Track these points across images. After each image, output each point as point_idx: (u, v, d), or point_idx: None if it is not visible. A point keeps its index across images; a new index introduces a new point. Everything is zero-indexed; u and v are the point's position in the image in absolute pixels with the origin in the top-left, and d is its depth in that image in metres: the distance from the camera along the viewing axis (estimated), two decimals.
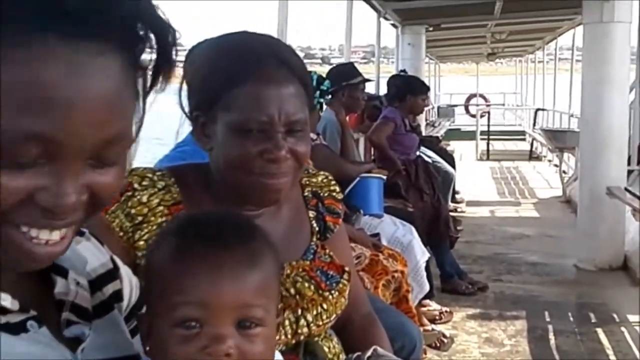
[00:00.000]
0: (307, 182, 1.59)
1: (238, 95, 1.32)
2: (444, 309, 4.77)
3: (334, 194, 1.61)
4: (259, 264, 0.92)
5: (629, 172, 6.63)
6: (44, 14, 0.69)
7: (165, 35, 0.78)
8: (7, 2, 0.69)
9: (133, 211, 1.34)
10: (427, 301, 4.62)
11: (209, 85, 1.35)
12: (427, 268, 4.45)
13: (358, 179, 4.26)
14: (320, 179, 1.61)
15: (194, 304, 0.87)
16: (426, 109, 13.67)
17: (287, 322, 1.38)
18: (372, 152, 6.27)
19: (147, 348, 0.93)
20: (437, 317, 4.65)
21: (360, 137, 6.41)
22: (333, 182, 1.63)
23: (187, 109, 1.41)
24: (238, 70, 1.33)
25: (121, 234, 1.33)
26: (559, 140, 10.04)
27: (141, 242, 1.33)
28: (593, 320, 4.79)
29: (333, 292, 1.46)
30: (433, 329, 4.34)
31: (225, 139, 1.34)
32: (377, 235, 3.83)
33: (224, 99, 1.33)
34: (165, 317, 0.88)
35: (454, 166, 7.83)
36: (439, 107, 19.44)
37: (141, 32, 0.76)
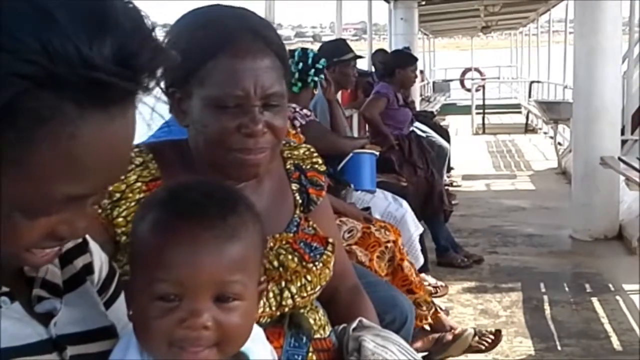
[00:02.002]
0: (289, 155, 1.59)
1: (212, 69, 1.31)
2: (440, 283, 4.79)
3: (317, 166, 1.60)
4: (238, 239, 0.92)
5: (623, 142, 6.63)
6: None
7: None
8: None
9: (110, 188, 1.33)
10: (423, 275, 4.62)
11: (183, 60, 1.34)
12: (421, 242, 4.46)
13: (351, 154, 4.25)
14: (302, 151, 1.61)
15: (172, 280, 0.88)
16: (421, 84, 13.71)
17: (271, 295, 1.38)
18: (366, 128, 6.25)
19: (130, 312, 0.94)
20: (432, 291, 4.66)
21: (353, 113, 6.39)
22: (315, 155, 1.62)
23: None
24: (211, 44, 1.31)
25: (99, 211, 1.32)
26: (553, 111, 10.02)
27: (120, 219, 1.32)
28: (588, 290, 4.80)
29: (317, 263, 1.46)
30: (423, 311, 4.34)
31: (202, 115, 1.33)
32: (368, 209, 3.83)
33: (198, 74, 1.32)
34: (144, 289, 0.89)
35: (448, 141, 7.82)
36: (434, 83, 19.37)
37: None
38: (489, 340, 3.74)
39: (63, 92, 0.71)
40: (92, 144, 0.74)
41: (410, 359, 1.43)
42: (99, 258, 1.06)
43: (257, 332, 1.04)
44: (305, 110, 3.99)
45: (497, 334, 3.79)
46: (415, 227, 4.24)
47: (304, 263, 1.44)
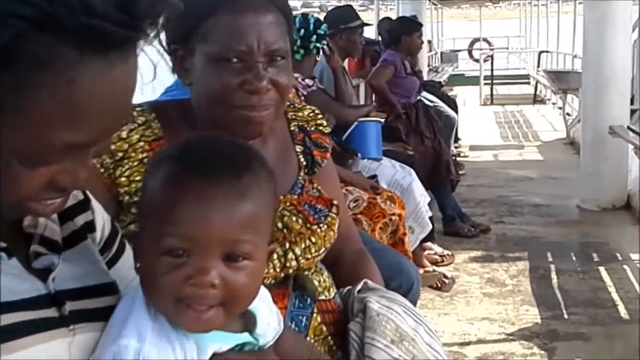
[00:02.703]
0: (294, 117, 1.57)
1: (214, 24, 1.29)
2: (446, 251, 4.78)
3: (321, 127, 1.59)
4: (250, 198, 0.90)
5: (632, 111, 6.56)
6: None
7: None
8: None
9: (113, 147, 1.31)
10: (429, 244, 4.63)
11: (185, 16, 1.31)
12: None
13: (356, 123, 4.23)
14: (306, 113, 1.59)
15: (181, 235, 0.86)
16: (428, 54, 13.60)
17: (275, 256, 1.37)
18: (373, 98, 6.21)
19: (137, 265, 0.93)
20: (438, 260, 4.66)
21: (360, 82, 6.34)
22: (320, 116, 1.60)
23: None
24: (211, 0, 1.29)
25: (102, 170, 1.31)
26: (562, 81, 9.93)
27: (122, 179, 1.31)
28: (595, 259, 4.79)
29: (321, 225, 1.45)
30: (434, 270, 4.35)
31: (204, 71, 1.31)
32: (374, 177, 3.81)
33: (200, 30, 1.30)
34: (153, 244, 0.87)
35: (456, 110, 7.77)
36: (442, 53, 19.21)
37: None
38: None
39: (62, 36, 0.70)
40: (92, 90, 0.73)
41: (417, 320, 1.42)
42: (101, 217, 1.05)
43: (264, 293, 1.03)
44: (307, 81, 3.95)
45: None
46: (421, 196, 4.22)
47: (308, 225, 1.43)
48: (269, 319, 1.02)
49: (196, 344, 0.88)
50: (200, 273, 0.86)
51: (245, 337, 0.95)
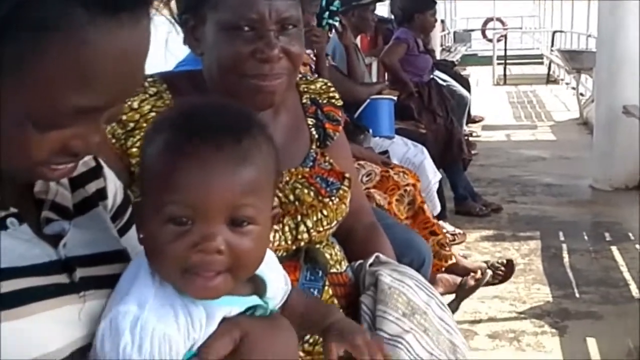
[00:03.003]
0: (306, 89, 1.56)
1: None
2: (457, 230, 4.76)
3: (333, 100, 1.57)
4: (251, 162, 0.89)
5: None
6: None
7: None
8: None
9: (124, 117, 1.31)
10: (441, 222, 4.61)
11: None
12: (440, 190, 4.43)
13: (368, 100, 4.21)
14: (319, 85, 1.58)
15: (184, 202, 0.85)
16: (441, 34, 13.49)
17: (287, 228, 1.37)
18: (386, 76, 6.17)
19: (141, 235, 0.92)
20: (450, 239, 4.64)
21: (373, 61, 6.30)
22: (332, 89, 1.59)
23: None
24: None
25: (113, 140, 1.31)
26: (576, 61, 9.83)
27: (134, 149, 1.31)
28: (608, 239, 4.77)
29: (333, 198, 1.44)
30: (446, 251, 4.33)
31: (216, 40, 1.30)
32: (385, 153, 3.80)
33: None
34: (156, 213, 0.86)
35: (469, 90, 7.72)
36: (455, 32, 19.05)
37: None
38: (502, 272, 3.74)
39: None
40: (102, 52, 0.72)
41: (428, 294, 1.42)
42: (113, 184, 1.05)
43: (271, 257, 1.02)
44: None
45: (509, 264, 3.79)
46: (433, 174, 4.21)
47: (320, 197, 1.42)
48: (277, 281, 1.02)
49: (205, 310, 0.88)
50: (206, 239, 0.85)
51: (254, 299, 0.94)
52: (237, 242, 0.87)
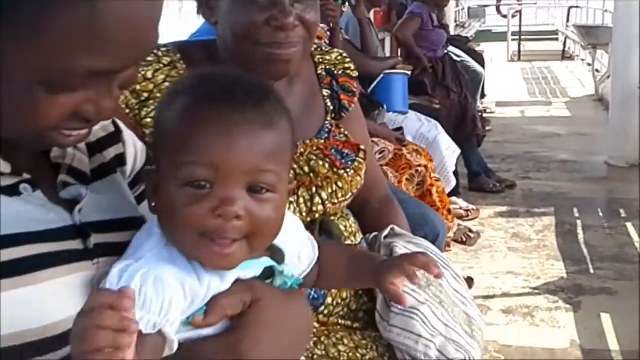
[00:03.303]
0: (321, 60, 1.54)
1: None
2: (471, 206, 4.75)
3: (349, 71, 1.56)
4: (274, 127, 0.87)
5: None
6: None
7: None
8: None
9: (138, 87, 1.30)
10: (454, 198, 4.59)
11: None
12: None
13: (382, 75, 4.18)
14: (334, 56, 1.56)
15: (205, 164, 0.83)
16: (455, 9, 13.37)
17: (301, 200, 1.36)
18: (399, 53, 6.13)
19: (153, 204, 0.90)
20: (463, 215, 4.63)
21: (386, 36, 6.25)
22: (348, 60, 1.57)
23: None
24: None
25: (127, 111, 1.30)
26: (592, 36, 9.72)
27: (148, 120, 1.30)
28: (622, 215, 4.74)
29: (348, 170, 1.43)
30: (459, 225, 4.33)
31: (230, 8, 1.29)
32: (400, 129, 3.78)
33: None
34: (174, 176, 0.84)
35: (483, 66, 7.65)
36: (469, 8, 18.88)
37: None
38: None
39: None
40: (114, 13, 0.71)
41: (444, 266, 1.41)
42: (133, 148, 1.03)
43: (294, 221, 1.01)
44: None
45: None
46: (447, 149, 4.18)
47: (335, 169, 1.41)
48: (299, 249, 1.00)
49: (216, 273, 0.86)
50: (225, 203, 0.83)
51: (266, 261, 0.92)
52: (256, 209, 0.85)
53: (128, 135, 1.03)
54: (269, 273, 0.94)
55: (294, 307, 0.95)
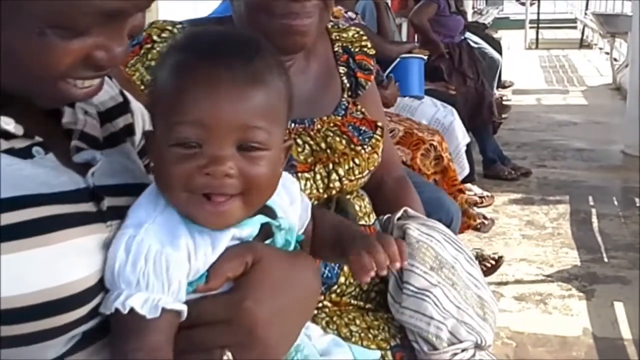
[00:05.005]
0: (338, 37, 1.53)
1: None
2: (485, 193, 4.74)
3: (365, 49, 1.54)
4: (261, 83, 0.86)
5: None
6: None
7: None
8: None
9: (153, 63, 1.29)
10: (469, 185, 4.58)
11: None
12: (468, 153, 4.38)
13: (398, 59, 4.15)
14: (351, 34, 1.55)
15: (192, 123, 0.82)
16: None
17: (318, 177, 1.35)
18: (416, 38, 6.09)
19: (152, 164, 0.90)
20: (478, 201, 4.61)
21: (403, 22, 6.21)
22: (365, 38, 1.56)
23: None
24: None
25: (142, 87, 1.30)
26: (611, 24, 9.63)
27: None
28: (638, 204, 4.71)
29: (365, 147, 1.42)
30: (473, 211, 4.31)
31: None
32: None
33: None
34: (164, 136, 0.84)
35: (500, 53, 7.60)
36: None
37: None
38: (489, 264, 3.65)
39: None
40: None
41: (457, 248, 1.40)
42: (141, 118, 1.03)
43: (290, 182, 1.00)
44: (350, 13, 3.88)
45: (499, 260, 3.68)
46: (462, 136, 4.16)
47: (352, 146, 1.40)
48: (293, 208, 0.99)
49: (210, 238, 0.86)
50: (214, 162, 0.82)
51: (261, 218, 0.91)
52: (248, 168, 0.84)
53: (136, 105, 1.03)
54: (268, 233, 0.93)
55: (297, 267, 0.95)
